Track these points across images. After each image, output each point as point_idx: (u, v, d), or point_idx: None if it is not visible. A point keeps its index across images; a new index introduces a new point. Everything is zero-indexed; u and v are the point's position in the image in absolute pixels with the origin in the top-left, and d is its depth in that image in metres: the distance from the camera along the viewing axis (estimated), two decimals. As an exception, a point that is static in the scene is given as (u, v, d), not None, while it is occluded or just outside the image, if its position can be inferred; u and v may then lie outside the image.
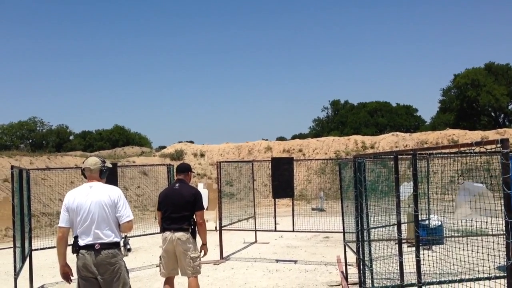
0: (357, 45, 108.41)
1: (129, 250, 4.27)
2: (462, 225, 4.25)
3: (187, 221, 5.25)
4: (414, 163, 3.42)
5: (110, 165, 4.41)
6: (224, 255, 9.64)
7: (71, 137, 60.14)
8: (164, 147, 34.98)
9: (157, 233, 10.18)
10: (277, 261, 9.26)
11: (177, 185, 5.51)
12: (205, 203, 13.34)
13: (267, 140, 30.62)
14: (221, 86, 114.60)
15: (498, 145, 2.45)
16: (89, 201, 4.00)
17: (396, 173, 3.76)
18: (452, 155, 6.55)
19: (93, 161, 4.24)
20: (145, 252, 10.81)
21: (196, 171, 26.33)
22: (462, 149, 3.12)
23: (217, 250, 9.72)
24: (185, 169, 5.66)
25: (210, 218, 15.84)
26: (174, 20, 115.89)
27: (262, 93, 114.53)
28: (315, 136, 45.02)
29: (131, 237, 9.96)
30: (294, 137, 52.03)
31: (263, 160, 14.70)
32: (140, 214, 18.49)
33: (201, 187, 13.34)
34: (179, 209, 5.30)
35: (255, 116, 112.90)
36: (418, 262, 3.43)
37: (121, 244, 4.14)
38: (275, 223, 10.59)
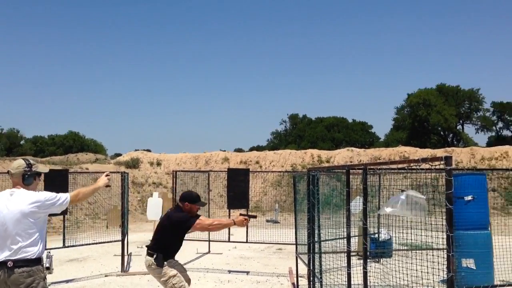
0: (317, 60, 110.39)
1: (47, 268, 3.74)
2: (409, 239, 4.39)
3: (155, 245, 5.00)
4: (364, 177, 3.53)
5: (44, 170, 3.89)
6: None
7: (22, 142, 58.02)
8: (119, 155, 34.30)
9: (108, 242, 10.01)
10: (229, 271, 9.24)
11: (171, 209, 5.31)
12: (159, 212, 13.25)
13: (224, 151, 30.59)
14: (180, 95, 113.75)
15: (442, 162, 2.57)
16: (5, 210, 3.50)
17: (348, 186, 3.86)
18: (402, 171, 6.78)
19: (16, 164, 3.73)
20: (94, 261, 10.53)
21: (152, 180, 25.95)
22: (410, 164, 3.24)
23: (169, 260, 9.58)
24: (182, 197, 5.14)
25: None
26: (128, 27, 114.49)
27: (221, 104, 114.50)
28: (273, 148, 45.37)
29: (80, 245, 9.77)
30: (251, 149, 52.21)
31: (220, 171, 14.68)
32: (91, 223, 18.01)
33: (155, 196, 13.17)
34: (156, 231, 5.18)
35: (213, 127, 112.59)
36: (365, 274, 3.52)
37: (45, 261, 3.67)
38: (229, 234, 10.58)
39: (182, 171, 11.17)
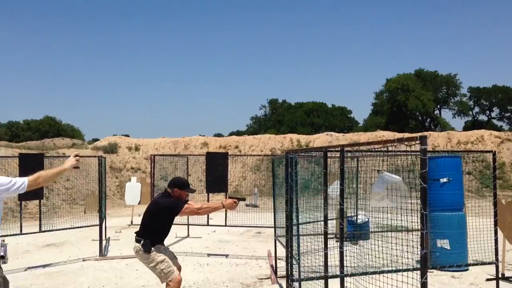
0: (297, 45, 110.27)
1: (2, 257, 3.57)
2: (386, 221, 4.45)
3: (142, 231, 4.97)
4: (341, 159, 3.54)
5: None
6: (155, 249, 9.51)
7: (-4, 127, 56.88)
8: (97, 140, 33.86)
9: (85, 226, 9.91)
10: (208, 255, 9.26)
11: (160, 194, 5.23)
12: (137, 197, 13.16)
13: (204, 136, 30.45)
14: (159, 80, 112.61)
15: (418, 142, 2.59)
16: None
17: (325, 168, 3.87)
18: (379, 153, 6.84)
19: None
20: (72, 246, 10.43)
21: (130, 165, 25.73)
22: (387, 146, 3.26)
23: (148, 244, 9.55)
24: (171, 183, 5.10)
25: (142, 213, 15.58)
26: (106, 12, 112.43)
27: (200, 89, 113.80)
28: (252, 133, 45.36)
29: (57, 230, 9.63)
30: (231, 134, 52.17)
31: (198, 155, 14.62)
32: (68, 208, 17.82)
33: (134, 181, 13.08)
34: (143, 218, 5.12)
35: (193, 112, 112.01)
36: (341, 254, 3.55)
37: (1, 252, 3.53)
38: (208, 218, 10.58)
39: (160, 155, 11.09)
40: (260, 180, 23.65)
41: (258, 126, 61.56)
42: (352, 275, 4.22)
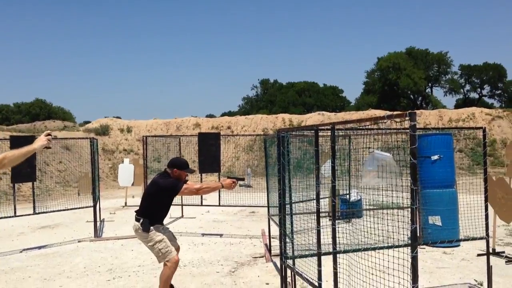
0: (289, 25, 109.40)
1: None
2: (379, 199, 4.51)
3: (142, 211, 5.00)
4: (332, 136, 3.57)
5: None
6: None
7: (-15, 110, 56.24)
8: (88, 122, 33.67)
9: (79, 208, 9.93)
10: (203, 235, 9.34)
11: (159, 174, 5.18)
12: (131, 179, 13.17)
13: (196, 117, 30.39)
14: (150, 62, 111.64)
15: (407, 118, 2.61)
16: None
17: (316, 146, 3.91)
18: (371, 132, 6.88)
19: None
20: (66, 228, 10.47)
21: (123, 146, 25.68)
22: (378, 123, 3.29)
23: (142, 225, 9.61)
24: (171, 164, 5.09)
25: (136, 194, 15.60)
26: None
27: (192, 71, 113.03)
28: (244, 114, 45.28)
29: (52, 212, 9.66)
30: (223, 115, 52.02)
31: (190, 135, 14.62)
32: (62, 190, 17.80)
33: (126, 163, 13.08)
34: (143, 198, 5.15)
35: (185, 93, 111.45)
36: (334, 231, 3.61)
37: None
38: (202, 198, 10.64)
39: (152, 136, 11.07)
40: (253, 161, 23.72)
41: (250, 107, 61.42)
42: (344, 251, 4.28)
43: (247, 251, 7.80)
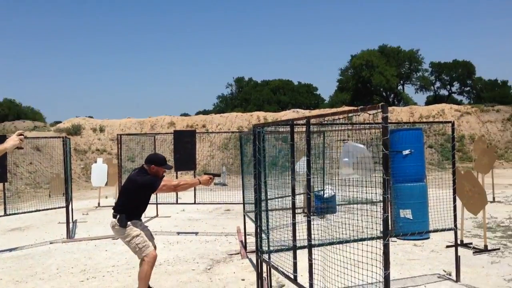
0: (263, 23, 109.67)
1: None
2: (352, 196, 4.59)
3: (119, 207, 4.95)
4: (307, 130, 3.61)
5: None
6: (124, 229, 9.48)
7: (-49, 111, 54.54)
8: (59, 122, 33.04)
9: (51, 208, 9.74)
10: (178, 233, 9.30)
11: (136, 171, 5.12)
12: (104, 179, 12.99)
13: (171, 116, 30.17)
14: (123, 60, 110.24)
15: (379, 110, 2.67)
16: None
17: (292, 140, 3.95)
18: (345, 127, 6.97)
19: None
20: (38, 229, 10.26)
21: (95, 146, 25.31)
22: (352, 118, 3.34)
23: (117, 225, 9.52)
24: (148, 160, 5.04)
25: (109, 194, 15.41)
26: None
27: (166, 69, 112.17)
28: (219, 112, 45.18)
29: (23, 213, 9.45)
30: (198, 113, 51.79)
31: (166, 133, 14.52)
32: (32, 192, 17.43)
33: (100, 162, 12.90)
34: (120, 194, 5.11)
35: (159, 92, 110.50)
36: (309, 223, 3.65)
37: None
38: (177, 197, 10.58)
39: (127, 134, 10.95)
40: (228, 159, 23.72)
41: (225, 105, 61.30)
42: (319, 245, 4.34)
43: (223, 249, 7.81)
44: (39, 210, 9.35)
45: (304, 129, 4.11)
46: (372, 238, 4.57)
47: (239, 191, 11.31)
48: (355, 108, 2.85)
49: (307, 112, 29.43)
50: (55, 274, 6.51)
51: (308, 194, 3.60)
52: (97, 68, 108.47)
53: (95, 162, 13.91)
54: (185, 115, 50.81)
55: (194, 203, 10.31)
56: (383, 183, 2.59)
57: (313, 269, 3.73)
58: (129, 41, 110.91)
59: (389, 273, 2.60)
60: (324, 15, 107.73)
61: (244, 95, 60.01)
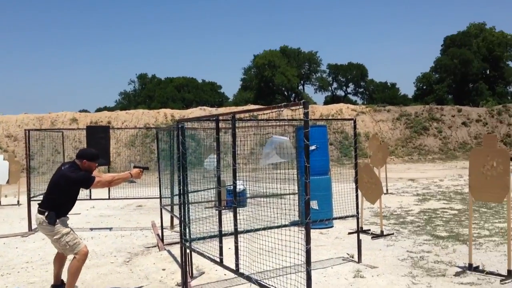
0: (166, 20, 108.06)
1: None
2: (262, 189, 5.06)
3: (47, 203, 4.83)
4: (233, 124, 3.99)
5: None
6: (33, 227, 9.18)
7: None
8: None
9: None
10: (91, 229, 9.23)
11: (66, 166, 4.96)
12: (5, 177, 12.36)
13: (72, 112, 28.96)
14: (17, 53, 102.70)
15: (301, 106, 3.12)
16: None
17: (217, 134, 4.30)
18: (266, 125, 7.47)
19: None
20: None
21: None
22: (276, 113, 3.77)
23: (24, 223, 9.26)
24: (80, 155, 4.99)
25: (9, 193, 14.63)
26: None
27: (64, 63, 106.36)
28: (122, 109, 44.05)
29: None
30: (99, 110, 50.02)
31: (76, 129, 14.13)
32: None
33: (1, 159, 12.24)
34: (48, 189, 4.95)
35: (56, 87, 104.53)
36: (235, 209, 4.05)
37: None
38: (90, 193, 10.43)
39: (35, 129, 10.58)
40: (135, 156, 23.40)
41: (128, 102, 59.85)
42: (247, 231, 4.75)
43: (140, 242, 7.94)
44: None
45: (213, 125, 4.44)
46: (294, 224, 5.12)
47: (149, 187, 11.43)
48: (279, 105, 3.28)
49: (213, 110, 29.85)
50: (-36, 274, 6.27)
51: (234, 184, 3.98)
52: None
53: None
54: (85, 111, 48.85)
55: (109, 198, 10.27)
56: (304, 169, 3.05)
57: (239, 252, 4.13)
58: (28, 35, 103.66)
59: (310, 247, 3.06)
60: (229, 13, 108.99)
61: (148, 92, 59.05)
